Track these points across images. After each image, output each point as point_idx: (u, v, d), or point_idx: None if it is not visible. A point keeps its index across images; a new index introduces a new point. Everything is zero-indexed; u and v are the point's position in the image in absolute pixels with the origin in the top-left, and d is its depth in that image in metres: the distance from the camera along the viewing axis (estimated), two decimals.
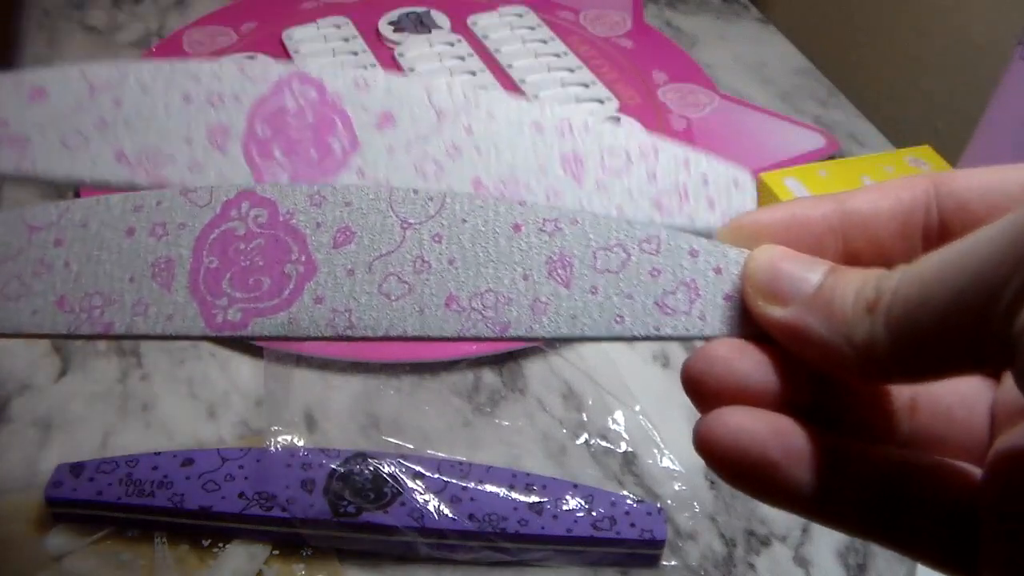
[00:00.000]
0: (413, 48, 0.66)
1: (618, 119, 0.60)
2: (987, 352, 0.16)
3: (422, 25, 0.69)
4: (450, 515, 0.39)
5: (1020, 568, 0.18)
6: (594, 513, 0.39)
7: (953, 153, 0.51)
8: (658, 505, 0.40)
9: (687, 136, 0.61)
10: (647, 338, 0.22)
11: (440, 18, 0.70)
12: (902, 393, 0.21)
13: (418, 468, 0.40)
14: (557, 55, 0.66)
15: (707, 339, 0.21)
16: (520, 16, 0.71)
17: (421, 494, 0.39)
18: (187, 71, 0.25)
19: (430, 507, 0.39)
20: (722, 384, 0.20)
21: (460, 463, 0.41)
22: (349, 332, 0.22)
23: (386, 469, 0.40)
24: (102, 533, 0.39)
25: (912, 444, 0.21)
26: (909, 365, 0.18)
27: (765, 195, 0.51)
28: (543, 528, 0.39)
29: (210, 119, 0.24)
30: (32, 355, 0.48)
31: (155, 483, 0.39)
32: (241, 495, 0.39)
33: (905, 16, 0.70)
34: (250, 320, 0.22)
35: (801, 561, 0.41)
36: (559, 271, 0.22)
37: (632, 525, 0.39)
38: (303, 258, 0.22)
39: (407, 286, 0.22)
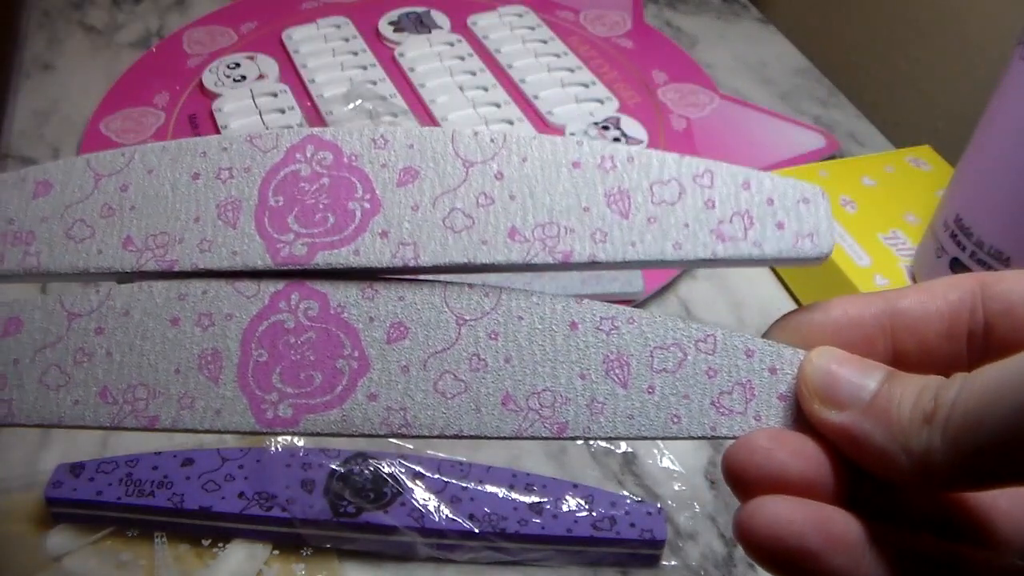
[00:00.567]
0: (413, 48, 0.66)
1: (618, 119, 0.60)
2: None
3: (422, 25, 0.69)
4: (450, 515, 0.39)
5: None
6: (594, 513, 0.39)
7: (953, 153, 0.51)
8: (658, 505, 0.40)
9: (687, 136, 0.61)
10: (703, 437, 0.21)
11: (440, 18, 0.70)
12: None
13: (418, 468, 0.40)
14: (557, 55, 0.66)
15: None
16: (520, 16, 0.71)
17: (421, 494, 0.39)
18: (194, 148, 0.23)
19: (430, 507, 0.39)
20: (763, 473, 0.20)
21: (460, 463, 0.41)
22: (404, 431, 0.21)
23: (386, 469, 0.40)
24: (102, 533, 0.39)
25: (963, 535, 0.21)
26: (967, 477, 0.18)
27: None
28: (543, 528, 0.39)
29: (219, 194, 0.23)
30: None
31: (155, 483, 0.39)
32: (241, 495, 0.39)
33: (905, 16, 0.70)
34: (301, 417, 0.21)
35: None
36: (616, 371, 0.21)
37: (632, 525, 0.39)
38: (356, 353, 0.22)
39: (463, 384, 0.21)
